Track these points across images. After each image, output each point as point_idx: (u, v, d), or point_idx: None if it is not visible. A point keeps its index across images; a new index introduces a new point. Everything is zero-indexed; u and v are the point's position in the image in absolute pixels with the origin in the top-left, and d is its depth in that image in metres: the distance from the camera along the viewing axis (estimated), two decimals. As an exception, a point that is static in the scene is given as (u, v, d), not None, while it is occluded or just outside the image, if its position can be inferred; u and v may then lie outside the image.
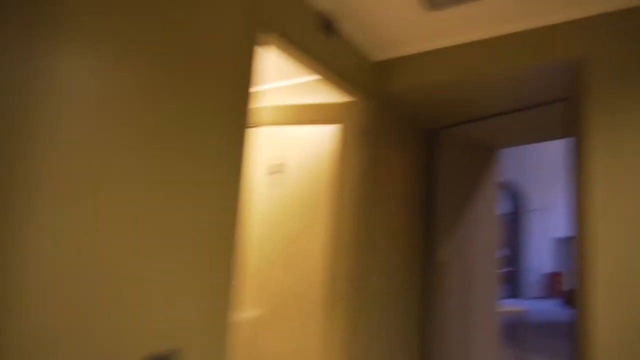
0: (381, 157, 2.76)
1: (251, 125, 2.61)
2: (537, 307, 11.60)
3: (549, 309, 11.53)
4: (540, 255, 15.04)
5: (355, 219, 2.46)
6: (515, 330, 4.53)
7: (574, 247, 2.48)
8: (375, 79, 2.75)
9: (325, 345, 2.42)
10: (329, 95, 2.67)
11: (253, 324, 2.80)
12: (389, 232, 2.83)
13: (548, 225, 15.56)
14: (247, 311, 2.83)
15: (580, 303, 2.36)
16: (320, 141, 2.72)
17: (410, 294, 3.14)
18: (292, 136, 2.78)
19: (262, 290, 2.80)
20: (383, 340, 2.75)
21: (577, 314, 2.39)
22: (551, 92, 2.61)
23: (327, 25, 2.25)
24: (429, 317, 3.21)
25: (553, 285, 14.67)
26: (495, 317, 3.67)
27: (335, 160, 2.52)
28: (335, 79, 2.38)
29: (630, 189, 1.91)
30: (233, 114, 1.70)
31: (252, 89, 1.79)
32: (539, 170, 15.31)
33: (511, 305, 5.14)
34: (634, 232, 1.87)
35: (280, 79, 2.90)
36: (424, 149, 3.43)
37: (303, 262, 2.69)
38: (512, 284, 13.97)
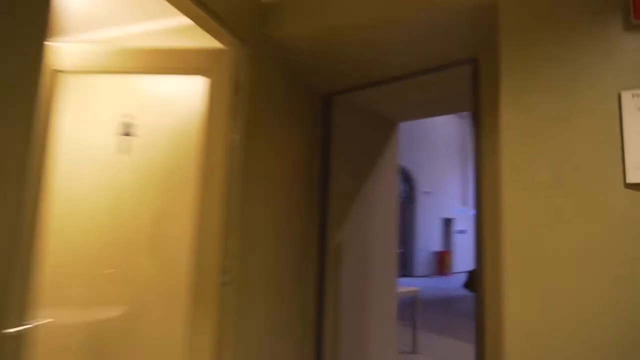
0: (263, 122, 2.26)
1: (82, 70, 1.95)
2: (427, 284, 12.19)
3: (439, 286, 12.18)
4: (429, 236, 15.92)
5: (227, 196, 1.94)
6: (410, 310, 4.41)
7: (476, 225, 2.24)
8: (254, 21, 2.22)
9: (192, 348, 1.90)
10: (194, 38, 2.09)
11: (107, 325, 2.17)
12: (274, 211, 2.37)
13: (436, 206, 16.52)
14: (99, 311, 2.19)
15: (484, 286, 2.13)
16: (183, 98, 2.14)
17: (303, 278, 2.73)
18: (146, 90, 2.16)
19: (123, 282, 2.18)
20: (269, 333, 2.30)
21: (479, 298, 2.16)
22: (457, 51, 2.33)
23: None
24: (325, 302, 2.84)
25: (441, 264, 15.65)
26: (393, 298, 3.44)
27: (203, 123, 1.97)
28: (198, 14, 1.82)
29: (547, 154, 1.66)
30: (16, 47, 1.07)
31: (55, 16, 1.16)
32: (428, 154, 16.12)
33: (405, 286, 5.05)
34: (548, 207, 1.62)
35: (130, 20, 2.25)
36: (319, 116, 3.01)
37: (171, 248, 2.12)
38: (403, 263, 14.58)
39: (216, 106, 1.97)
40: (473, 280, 2.32)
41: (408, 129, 14.75)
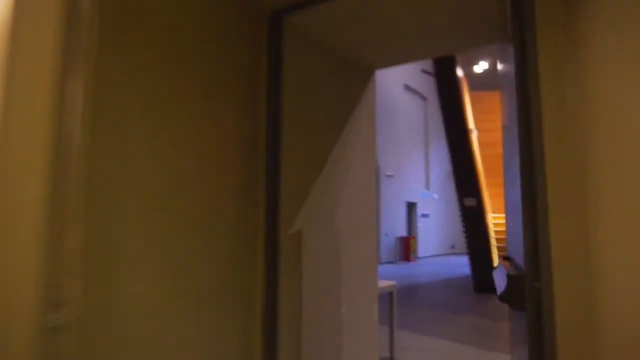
0: (151, 38, 1.28)
1: None
2: (392, 271, 11.53)
3: (405, 273, 11.55)
4: (393, 220, 15.30)
5: (56, 156, 0.96)
6: (384, 307, 3.56)
7: (526, 202, 1.36)
8: None
9: None
10: None
11: None
12: (184, 185, 1.39)
13: (400, 190, 15.90)
14: None
15: (548, 303, 1.26)
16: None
17: (240, 285, 1.77)
18: None
19: None
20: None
21: (535, 319, 1.28)
22: None
23: None
24: (278, 320, 1.89)
25: (406, 249, 15.07)
26: (372, 299, 2.56)
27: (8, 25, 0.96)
28: None
29: None
30: None
31: None
32: (390, 136, 15.41)
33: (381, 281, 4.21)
34: None
35: None
36: (263, 47, 2.02)
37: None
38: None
39: None
40: (515, 290, 1.36)
41: (370, 109, 13.89)
